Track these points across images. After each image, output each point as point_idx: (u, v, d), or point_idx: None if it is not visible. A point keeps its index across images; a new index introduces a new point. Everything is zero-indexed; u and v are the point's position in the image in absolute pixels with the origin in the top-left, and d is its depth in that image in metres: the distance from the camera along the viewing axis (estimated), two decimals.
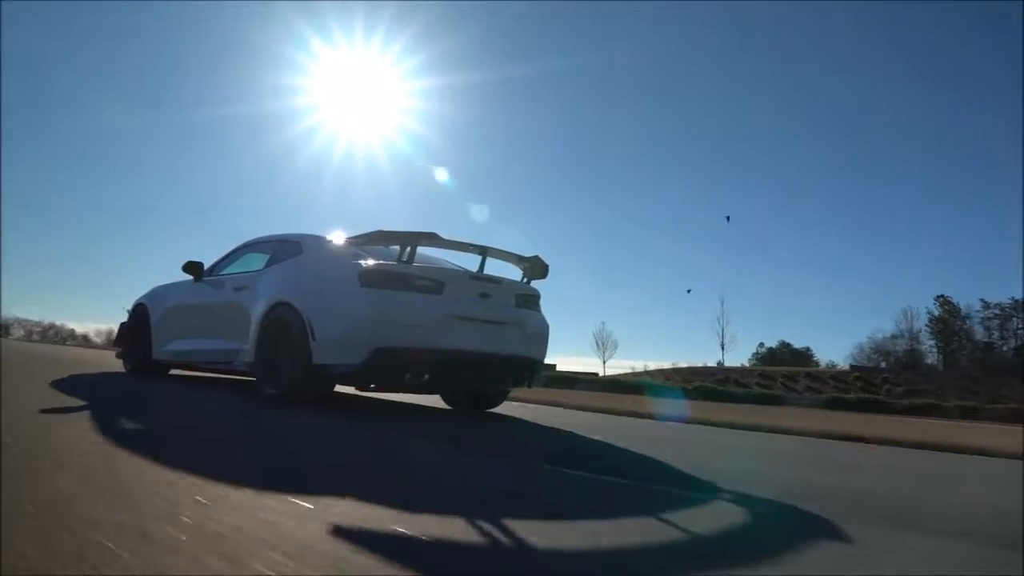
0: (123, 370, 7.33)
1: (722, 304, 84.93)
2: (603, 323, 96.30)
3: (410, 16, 71.83)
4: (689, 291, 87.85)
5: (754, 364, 79.17)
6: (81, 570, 1.32)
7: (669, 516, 2.19)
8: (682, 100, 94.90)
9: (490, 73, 76.22)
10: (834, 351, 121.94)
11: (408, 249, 5.03)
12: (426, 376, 4.86)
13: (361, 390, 5.57)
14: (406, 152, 72.36)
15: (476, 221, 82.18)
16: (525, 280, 5.62)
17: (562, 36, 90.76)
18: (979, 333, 73.74)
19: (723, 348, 76.01)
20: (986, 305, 72.79)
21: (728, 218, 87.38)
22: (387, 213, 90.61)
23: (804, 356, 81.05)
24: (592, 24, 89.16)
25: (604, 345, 78.03)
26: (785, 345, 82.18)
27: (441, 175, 78.60)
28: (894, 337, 77.57)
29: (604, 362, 76.95)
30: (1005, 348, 70.94)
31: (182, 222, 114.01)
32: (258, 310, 5.47)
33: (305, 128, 57.59)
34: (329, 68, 64.27)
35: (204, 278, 6.63)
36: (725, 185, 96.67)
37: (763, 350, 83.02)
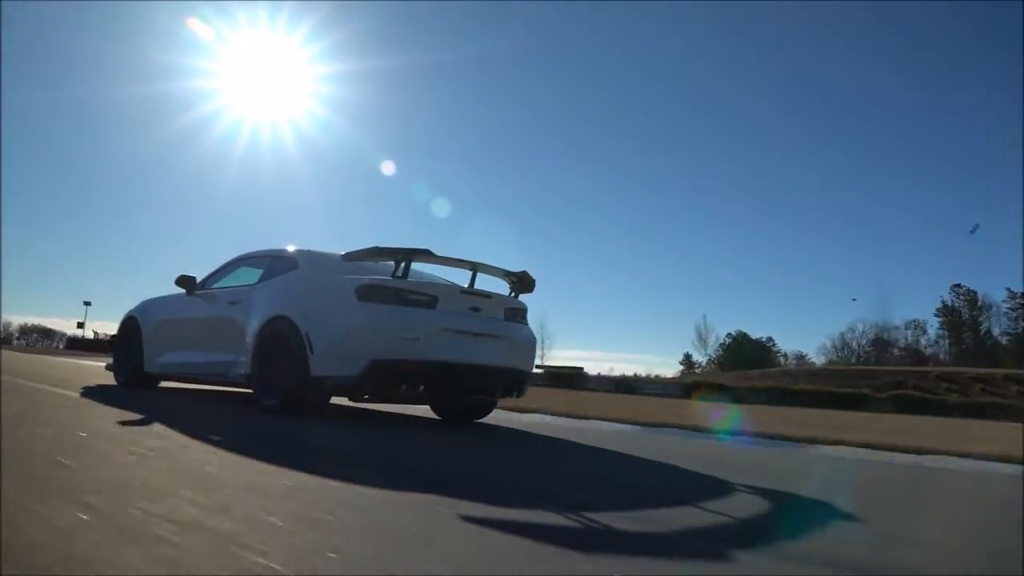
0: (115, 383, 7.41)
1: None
2: (704, 316, 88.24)
3: None
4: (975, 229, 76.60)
5: (720, 356, 76.40)
6: None
7: None
8: (605, 87, 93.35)
9: (402, 58, 73.44)
10: (791, 342, 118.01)
11: (403, 264, 5.24)
12: (421, 387, 5.07)
13: (355, 401, 5.75)
14: (315, 138, 69.04)
15: (438, 216, 79.09)
16: (513, 294, 5.84)
17: (475, 23, 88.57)
18: (1006, 324, 71.67)
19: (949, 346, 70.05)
20: (1012, 295, 70.43)
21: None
22: (294, 198, 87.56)
23: (766, 348, 78.25)
24: (505, 12, 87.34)
25: (706, 340, 71.62)
26: (743, 335, 78.13)
27: (388, 168, 75.93)
28: (875, 327, 75.09)
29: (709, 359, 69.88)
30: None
31: (77, 207, 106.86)
32: (254, 323, 5.62)
33: (209, 111, 54.57)
34: (234, 50, 60.67)
35: (196, 292, 6.76)
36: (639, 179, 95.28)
37: (729, 340, 79.03)
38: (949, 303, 75.09)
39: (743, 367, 63.50)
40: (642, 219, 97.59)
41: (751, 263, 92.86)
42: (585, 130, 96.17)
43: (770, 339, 79.55)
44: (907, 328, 75.55)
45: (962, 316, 74.24)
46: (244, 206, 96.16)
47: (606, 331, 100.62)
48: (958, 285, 74.74)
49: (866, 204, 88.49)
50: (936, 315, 74.92)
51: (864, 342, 75.64)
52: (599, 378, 50.11)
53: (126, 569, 1.40)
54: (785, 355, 78.47)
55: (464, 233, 75.80)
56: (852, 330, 76.40)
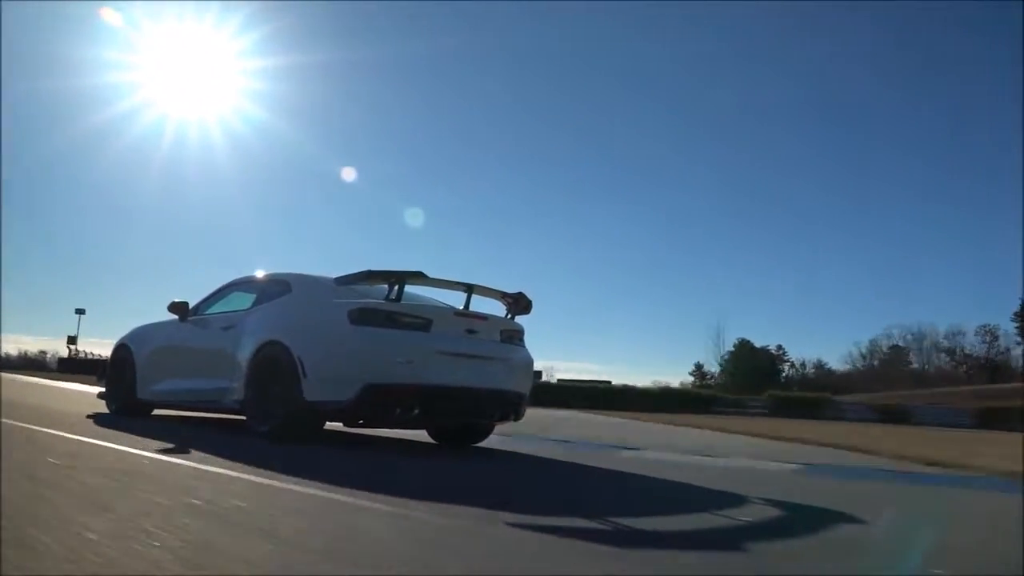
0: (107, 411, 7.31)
1: None
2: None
3: None
4: None
5: (727, 366, 69.81)
6: None
7: None
8: (558, 87, 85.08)
9: (343, 53, 63.73)
10: (800, 350, 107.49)
11: (396, 287, 5.19)
12: (416, 411, 5.00)
13: (349, 426, 5.68)
14: (245, 136, 61.64)
15: (411, 226, 72.80)
16: (509, 316, 5.78)
17: (417, 17, 77.88)
18: None
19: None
20: None
21: None
22: (223, 200, 77.98)
23: (772, 356, 71.82)
24: (455, 6, 77.51)
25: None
26: (746, 343, 71.24)
27: (348, 174, 66.92)
28: (911, 333, 66.84)
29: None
30: None
31: None
32: (247, 349, 5.56)
33: (127, 108, 49.99)
34: (154, 41, 53.25)
35: (189, 318, 6.70)
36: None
37: (734, 348, 71.48)
38: None
39: (752, 378, 59.83)
40: (619, 225, 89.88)
41: (742, 270, 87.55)
42: (551, 132, 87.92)
43: (780, 347, 73.61)
44: (977, 335, 67.75)
45: None
46: (169, 210, 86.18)
47: (592, 341, 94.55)
48: None
49: (864, 207, 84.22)
50: (1013, 320, 65.92)
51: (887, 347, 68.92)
52: (853, 404, 36.48)
53: None
54: (803, 364, 72.96)
55: (426, 242, 70.94)
56: (888, 335, 69.15)
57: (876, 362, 67.58)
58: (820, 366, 70.80)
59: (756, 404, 35.32)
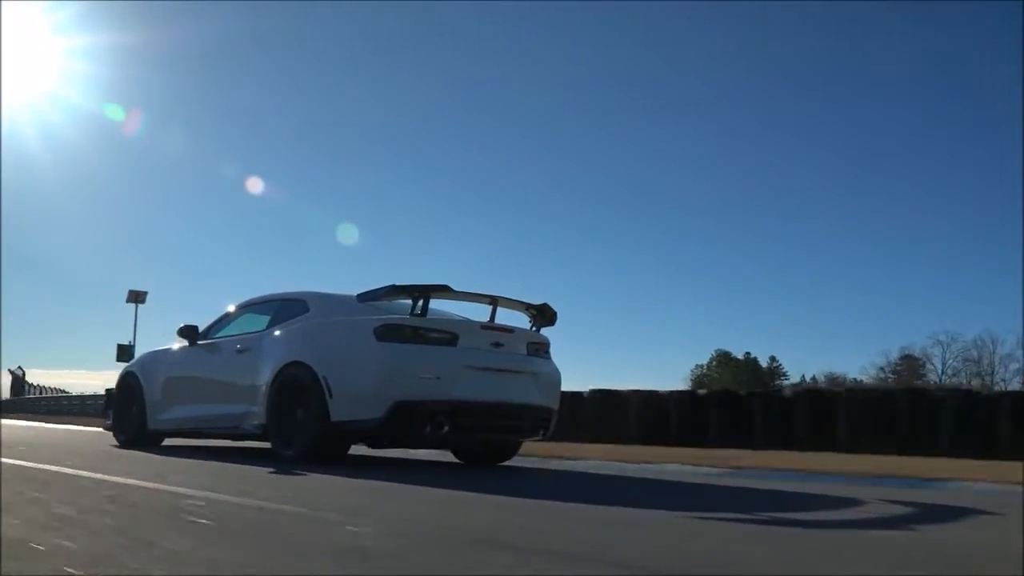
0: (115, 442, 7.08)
1: None
2: None
3: None
4: None
5: (716, 376, 63.74)
6: None
7: None
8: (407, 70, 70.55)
9: (176, 32, 47.82)
10: (798, 364, 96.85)
11: (420, 302, 5.06)
12: (445, 428, 4.88)
13: (375, 447, 5.52)
14: (62, 128, 46.70)
15: (344, 244, 63.38)
16: (534, 328, 5.66)
17: None
18: None
19: None
20: None
21: None
22: (41, 197, 62.65)
23: (764, 371, 65.67)
24: None
25: None
26: (723, 354, 66.52)
27: (255, 185, 55.68)
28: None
29: None
30: None
31: None
32: (267, 371, 5.41)
33: None
34: None
35: (199, 342, 6.53)
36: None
37: (713, 361, 66.45)
38: None
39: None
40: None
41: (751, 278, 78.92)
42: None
43: (773, 359, 67.42)
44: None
45: None
46: None
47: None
48: None
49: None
50: None
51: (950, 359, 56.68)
52: None
53: None
54: (814, 377, 63.08)
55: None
56: (938, 343, 57.10)
57: (891, 375, 56.78)
58: (835, 378, 59.62)
59: None
